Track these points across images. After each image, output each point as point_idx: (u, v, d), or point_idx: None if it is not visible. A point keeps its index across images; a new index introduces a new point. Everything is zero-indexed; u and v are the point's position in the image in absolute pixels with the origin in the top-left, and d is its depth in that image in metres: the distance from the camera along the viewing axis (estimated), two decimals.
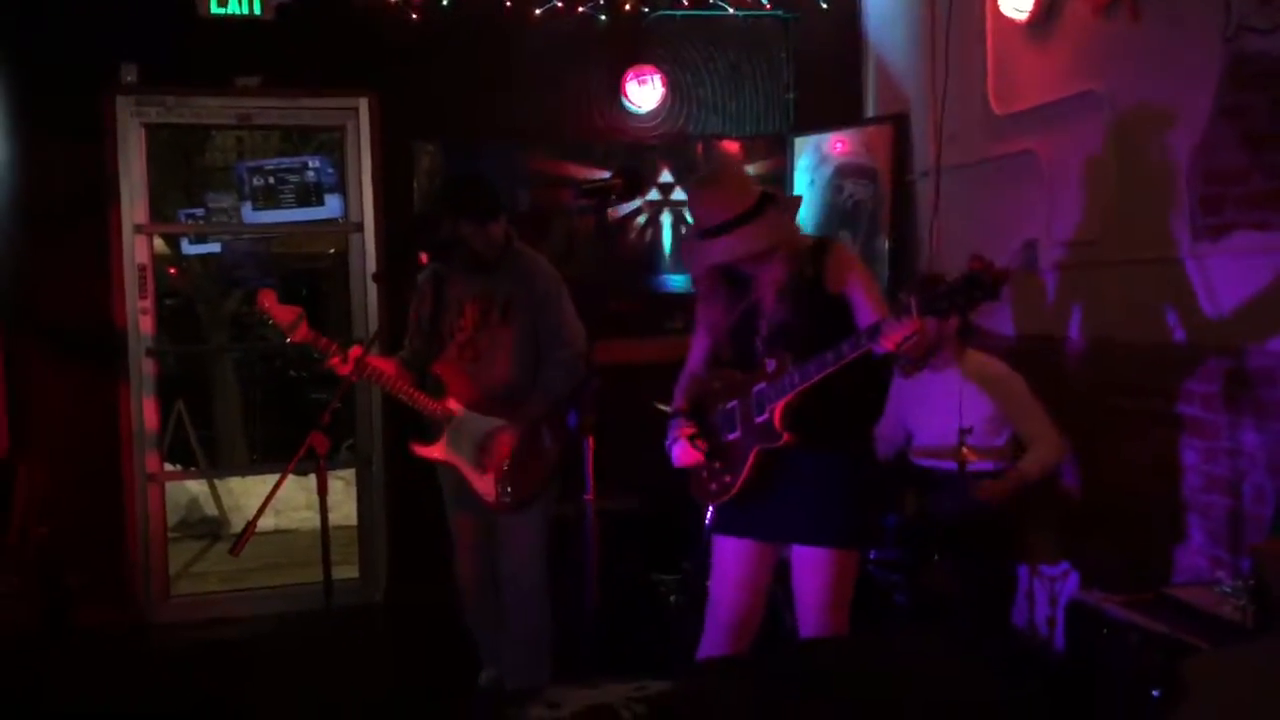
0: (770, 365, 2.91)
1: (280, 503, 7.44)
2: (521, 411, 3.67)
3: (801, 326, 2.90)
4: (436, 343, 3.76)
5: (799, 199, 2.93)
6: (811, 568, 2.96)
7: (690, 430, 3.07)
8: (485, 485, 3.67)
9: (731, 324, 3.06)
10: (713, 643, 3.11)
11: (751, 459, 2.94)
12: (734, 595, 3.09)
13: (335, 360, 3.52)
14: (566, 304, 3.78)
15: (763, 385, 2.91)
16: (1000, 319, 4.51)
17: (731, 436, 3.01)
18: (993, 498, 3.64)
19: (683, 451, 3.07)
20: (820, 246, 3.00)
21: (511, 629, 3.82)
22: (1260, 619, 2.71)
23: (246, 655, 4.77)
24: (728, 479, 3.01)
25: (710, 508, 3.20)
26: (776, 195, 2.99)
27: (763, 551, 3.08)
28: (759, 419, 2.92)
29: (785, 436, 2.87)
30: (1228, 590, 3.04)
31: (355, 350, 3.54)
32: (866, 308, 2.87)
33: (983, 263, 2.40)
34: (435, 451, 3.72)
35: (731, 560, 3.09)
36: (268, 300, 3.62)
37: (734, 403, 3.01)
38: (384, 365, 3.69)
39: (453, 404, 3.70)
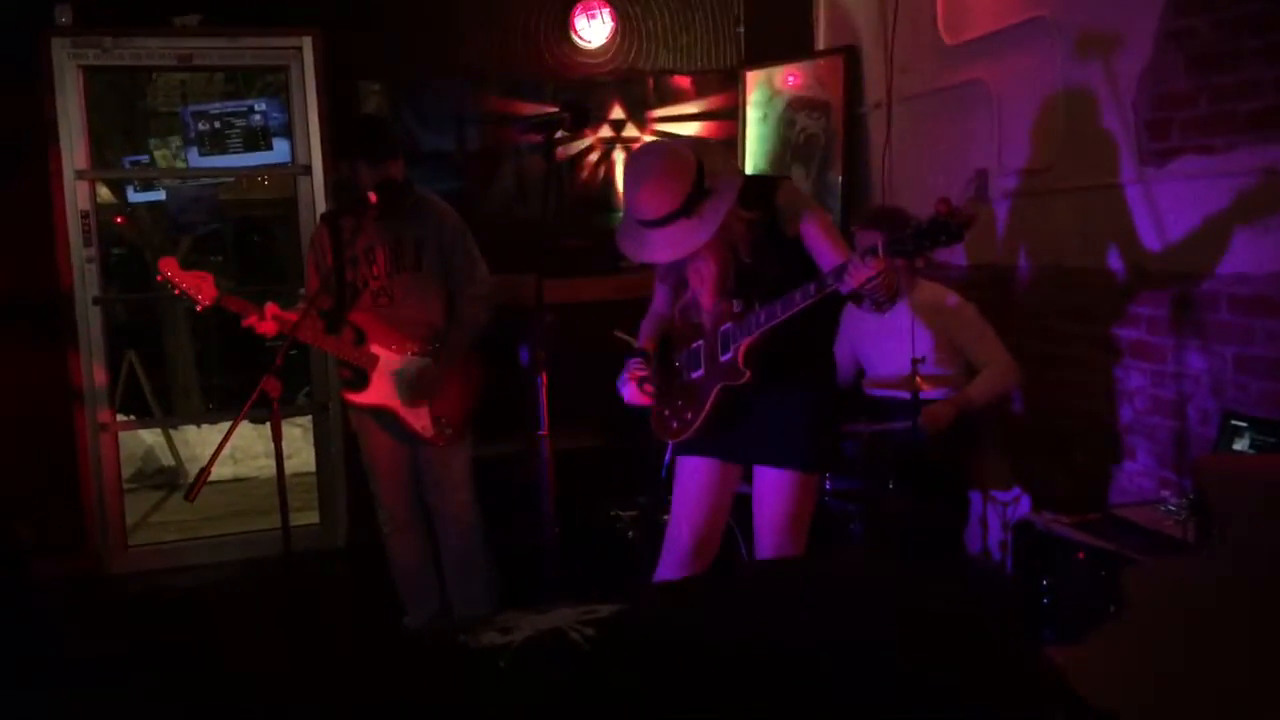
0: (737, 305, 2.90)
1: (238, 451, 7.43)
2: (445, 348, 3.77)
3: (762, 274, 2.87)
4: (347, 292, 3.77)
5: (728, 147, 2.86)
6: (774, 488, 2.99)
7: (642, 373, 3.09)
8: (421, 421, 3.77)
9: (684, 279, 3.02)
10: (670, 564, 3.14)
11: (713, 396, 2.96)
12: (695, 512, 3.11)
13: (253, 319, 3.54)
14: (473, 242, 3.89)
15: (729, 325, 2.91)
16: (952, 250, 4.53)
17: (696, 375, 3.03)
18: (935, 422, 3.68)
19: (631, 394, 3.12)
20: (768, 186, 2.93)
21: (455, 564, 3.95)
22: (1201, 533, 2.78)
23: (207, 602, 4.76)
24: (689, 415, 3.03)
25: (670, 445, 3.22)
26: (710, 151, 2.92)
27: (725, 470, 3.11)
28: (724, 357, 2.93)
29: (747, 374, 2.88)
30: (1172, 508, 3.12)
31: (271, 307, 3.57)
32: (827, 247, 2.84)
33: (948, 206, 2.37)
34: (367, 397, 3.76)
35: (693, 477, 3.12)
36: (169, 268, 3.61)
37: (699, 342, 3.02)
38: (294, 318, 3.66)
39: (375, 349, 3.74)
